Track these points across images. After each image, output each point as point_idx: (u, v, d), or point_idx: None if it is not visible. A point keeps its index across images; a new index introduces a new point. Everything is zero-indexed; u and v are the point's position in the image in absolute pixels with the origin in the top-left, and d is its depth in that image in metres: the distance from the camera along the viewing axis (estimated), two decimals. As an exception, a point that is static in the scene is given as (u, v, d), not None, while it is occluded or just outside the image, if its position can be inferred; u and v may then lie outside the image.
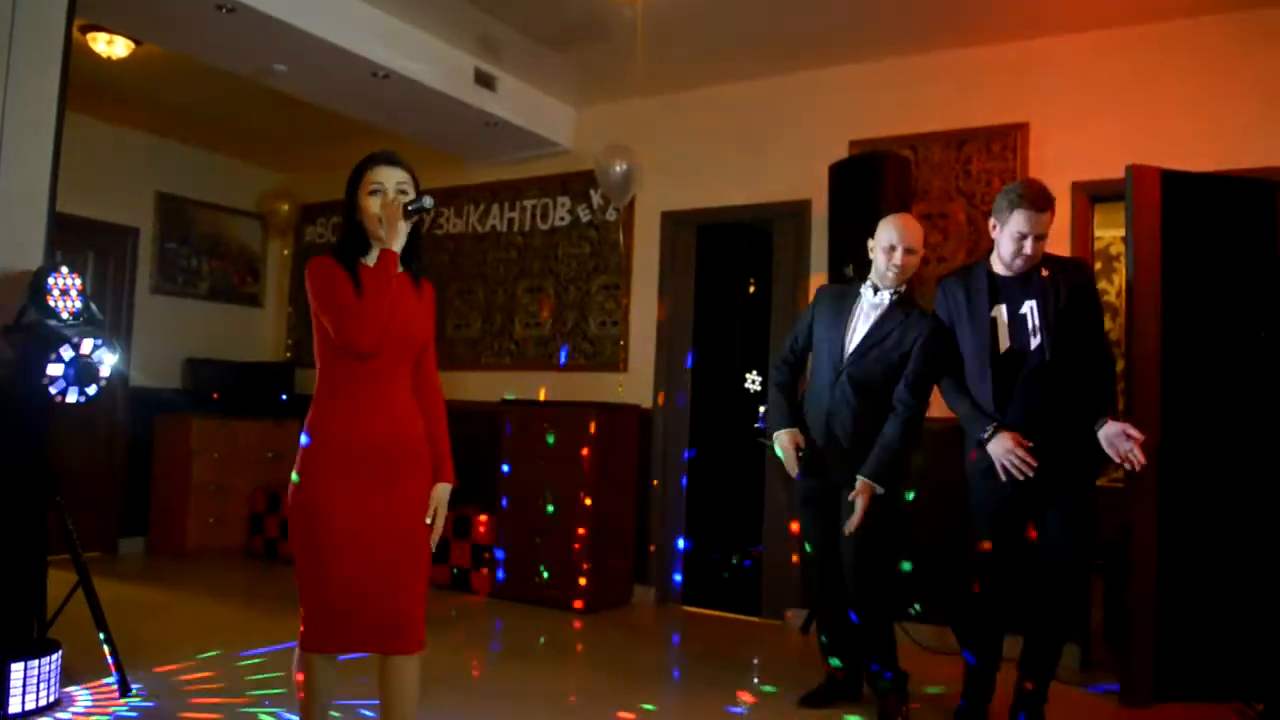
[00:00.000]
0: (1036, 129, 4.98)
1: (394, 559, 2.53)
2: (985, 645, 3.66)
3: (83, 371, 3.56)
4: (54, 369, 3.47)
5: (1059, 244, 4.79)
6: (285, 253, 8.17)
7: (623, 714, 3.82)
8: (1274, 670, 3.95)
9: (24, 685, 3.40)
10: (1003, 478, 3.46)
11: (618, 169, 5.66)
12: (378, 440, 2.53)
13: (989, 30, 4.99)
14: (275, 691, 3.75)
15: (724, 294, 7.59)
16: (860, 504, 3.57)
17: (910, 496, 3.98)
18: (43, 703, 3.47)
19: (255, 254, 8.12)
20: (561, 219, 6.60)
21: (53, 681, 3.52)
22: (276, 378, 7.69)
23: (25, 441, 3.62)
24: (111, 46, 5.29)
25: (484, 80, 5.74)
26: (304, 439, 2.53)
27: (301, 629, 2.53)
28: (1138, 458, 3.36)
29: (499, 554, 5.91)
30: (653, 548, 6.00)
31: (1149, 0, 4.58)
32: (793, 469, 3.79)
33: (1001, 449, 3.43)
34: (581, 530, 5.59)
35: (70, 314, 3.62)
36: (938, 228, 5.17)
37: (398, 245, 2.52)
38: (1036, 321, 3.49)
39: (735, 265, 7.87)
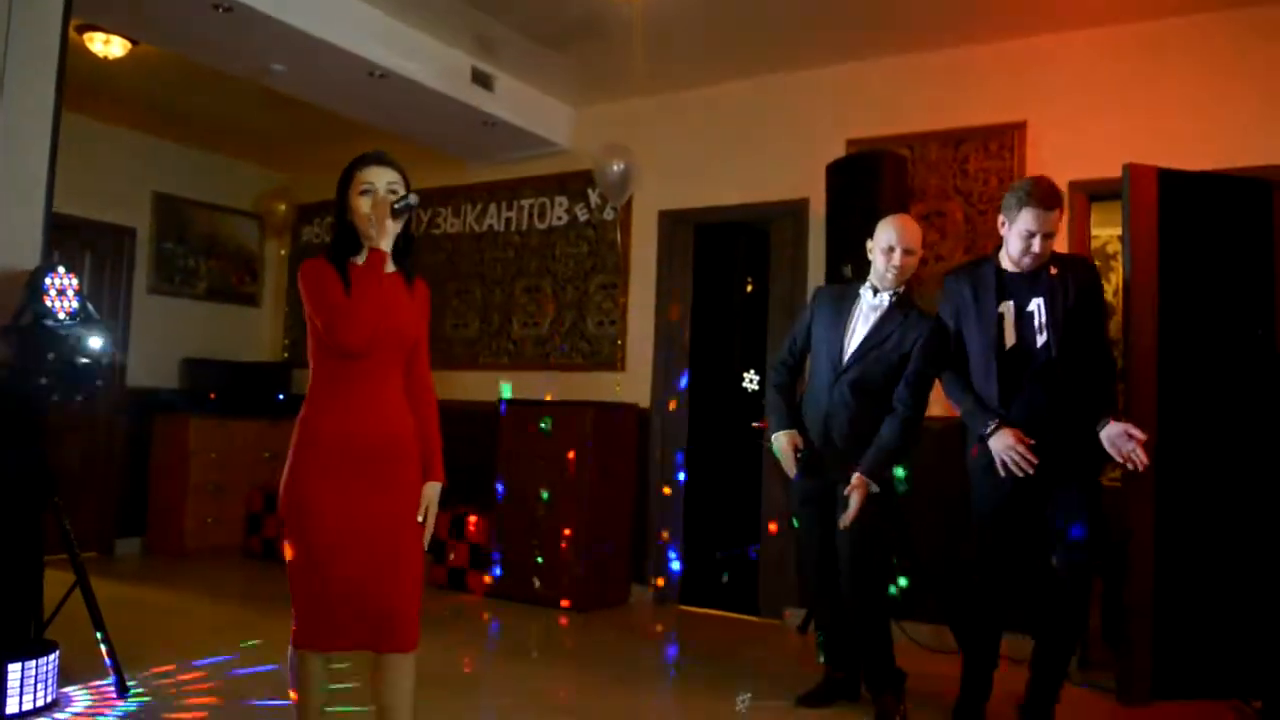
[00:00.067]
0: (1034, 128, 4.98)
1: (385, 557, 2.54)
2: (983, 644, 3.66)
3: (76, 372, 3.56)
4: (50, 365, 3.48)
5: (1058, 242, 4.80)
6: (283, 253, 8.17)
7: (620, 714, 3.82)
8: (1271, 668, 3.95)
9: (21, 686, 3.40)
10: (1001, 473, 3.46)
11: (615, 168, 5.66)
12: (368, 438, 2.55)
13: (986, 29, 4.99)
14: (273, 696, 3.75)
15: (722, 293, 7.59)
16: (855, 499, 3.57)
17: (902, 489, 3.97)
18: (40, 703, 3.46)
19: (252, 254, 8.11)
20: (559, 218, 6.60)
21: (50, 682, 3.52)
22: (274, 377, 7.69)
23: (23, 442, 3.62)
24: (108, 46, 5.29)
25: (481, 80, 5.74)
26: (295, 437, 2.55)
27: (294, 627, 2.54)
28: (1140, 458, 3.36)
29: (496, 554, 5.91)
30: (650, 547, 6.00)
31: (1146, -1, 4.59)
32: (791, 470, 3.79)
33: (1003, 445, 3.43)
34: (579, 530, 5.59)
35: (67, 314, 3.62)
36: (935, 227, 5.17)
37: (386, 244, 2.53)
38: (1043, 319, 3.48)
39: (733, 265, 7.86)
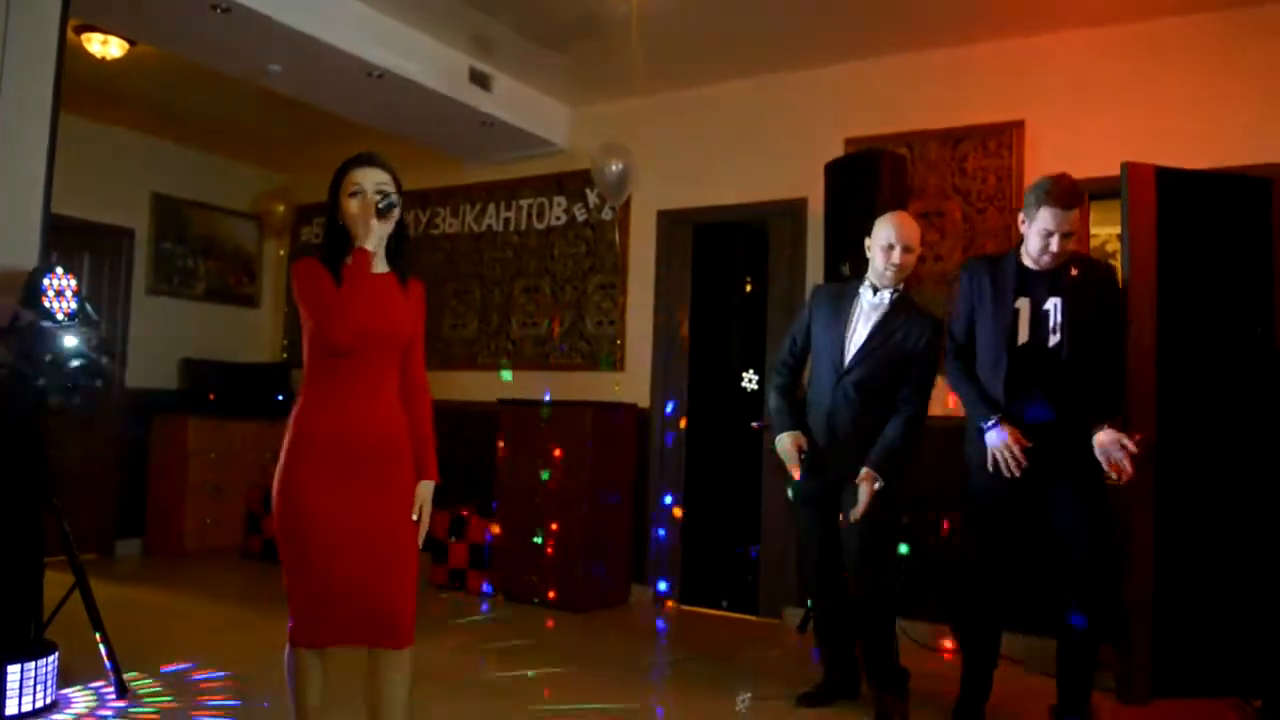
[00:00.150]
0: (1032, 126, 4.98)
1: (379, 555, 2.56)
2: (982, 643, 3.66)
3: (75, 373, 3.55)
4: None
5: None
6: (281, 253, 8.16)
7: (621, 714, 3.82)
8: (1272, 665, 3.95)
9: (21, 687, 3.39)
10: (990, 469, 3.46)
11: (614, 168, 5.66)
12: (360, 436, 2.57)
13: (985, 28, 4.99)
14: (272, 696, 3.75)
15: (720, 293, 7.59)
16: (865, 491, 3.56)
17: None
18: (40, 704, 3.46)
19: (251, 255, 8.11)
20: (558, 218, 6.60)
21: (50, 683, 3.52)
22: (272, 378, 7.69)
23: (22, 443, 3.62)
24: (106, 47, 5.28)
25: (479, 80, 5.74)
26: (288, 436, 2.59)
27: (290, 625, 2.57)
28: (1126, 469, 3.35)
29: (496, 553, 5.91)
30: (650, 547, 6.00)
31: (1144, -3, 4.59)
32: (796, 471, 3.77)
33: (999, 441, 3.43)
34: (578, 530, 5.59)
35: (66, 315, 3.61)
36: (934, 226, 5.17)
37: (371, 244, 2.57)
38: (1059, 320, 3.46)
39: (732, 264, 7.86)
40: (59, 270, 3.64)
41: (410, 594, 2.63)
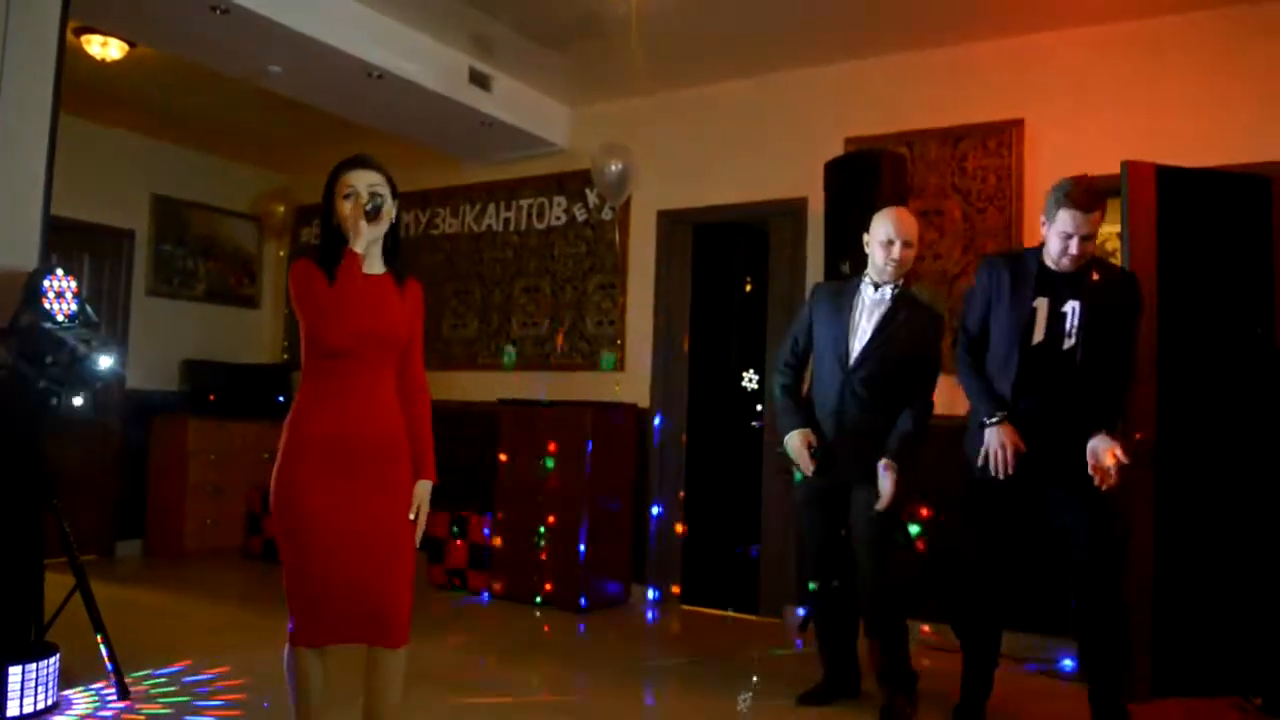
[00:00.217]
0: (1032, 125, 4.98)
1: (376, 555, 2.58)
2: (983, 642, 3.65)
3: (76, 375, 3.56)
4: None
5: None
6: (281, 254, 8.16)
7: (621, 713, 3.82)
8: (1272, 664, 3.95)
9: (22, 689, 3.39)
10: (979, 462, 3.47)
11: (613, 168, 5.66)
12: (357, 436, 2.59)
13: (984, 27, 4.99)
14: (273, 696, 3.75)
15: (721, 293, 7.59)
16: (889, 480, 3.56)
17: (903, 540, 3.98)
18: (41, 706, 3.46)
19: (251, 255, 8.11)
20: (558, 218, 6.60)
21: (51, 685, 3.52)
22: (273, 379, 7.69)
23: (22, 445, 3.62)
24: (106, 49, 5.28)
25: (479, 80, 5.74)
26: (285, 436, 2.61)
27: (290, 624, 2.58)
28: (1110, 478, 3.34)
29: (496, 553, 5.91)
30: (650, 546, 6.00)
31: (1143, -4, 4.59)
32: (807, 468, 3.74)
33: (997, 439, 3.42)
34: (579, 529, 5.59)
35: (66, 316, 3.61)
36: (934, 225, 5.17)
37: (360, 247, 2.58)
38: (1075, 323, 3.43)
39: (732, 264, 7.87)
40: (59, 272, 3.64)
41: (407, 593, 2.65)
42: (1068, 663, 4.48)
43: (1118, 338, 3.47)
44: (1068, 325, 3.44)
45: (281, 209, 7.85)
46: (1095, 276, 3.46)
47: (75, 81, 4.83)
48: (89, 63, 5.35)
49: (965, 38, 5.12)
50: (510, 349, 6.64)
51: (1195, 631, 4.05)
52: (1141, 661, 3.91)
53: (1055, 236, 3.40)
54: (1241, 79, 4.54)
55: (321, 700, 2.68)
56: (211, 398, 7.27)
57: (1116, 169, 4.15)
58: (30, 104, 3.80)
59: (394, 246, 2.77)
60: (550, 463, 5.72)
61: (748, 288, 7.93)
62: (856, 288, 3.80)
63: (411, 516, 2.68)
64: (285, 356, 7.95)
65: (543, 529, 5.69)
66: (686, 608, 5.89)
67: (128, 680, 3.74)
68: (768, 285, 6.00)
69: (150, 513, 7.09)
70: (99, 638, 3.70)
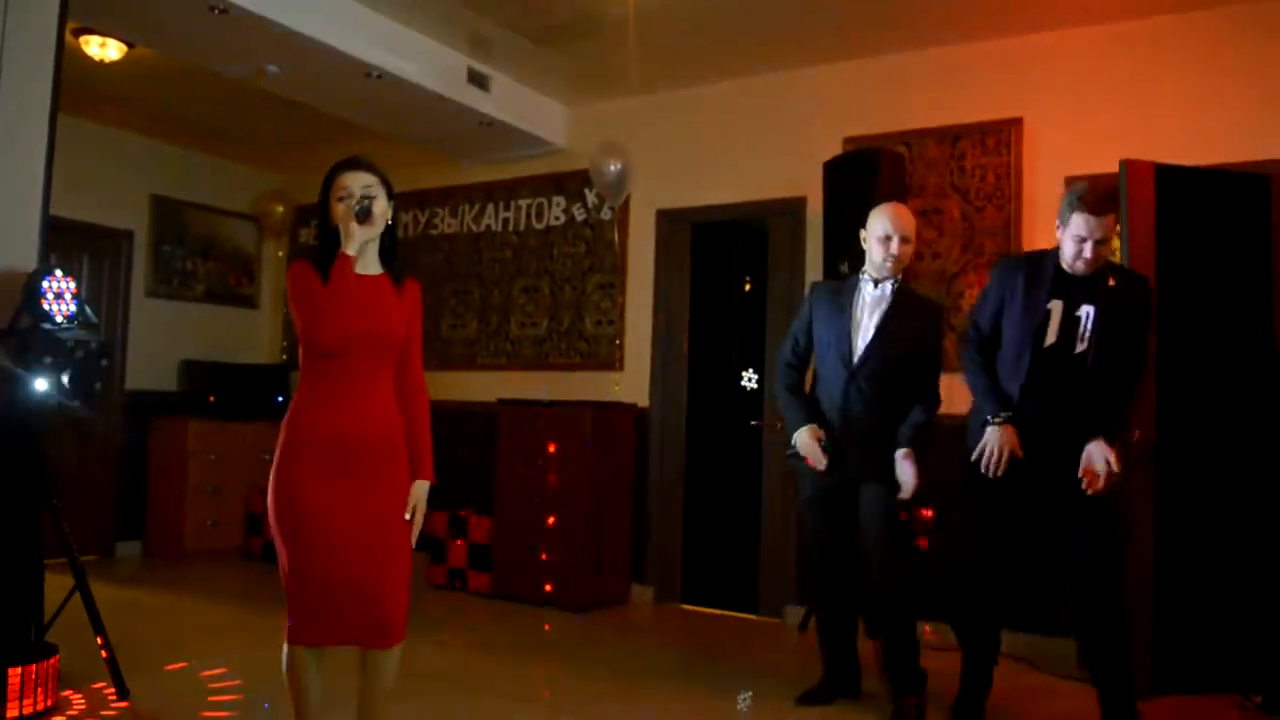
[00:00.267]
0: (1030, 124, 4.98)
1: (372, 554, 2.59)
2: (982, 640, 3.66)
3: (74, 376, 3.55)
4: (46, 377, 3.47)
5: (1054, 238, 4.80)
6: (280, 254, 8.16)
7: (621, 713, 3.82)
8: (1272, 661, 3.95)
9: (22, 690, 3.39)
10: (972, 456, 3.47)
11: (612, 168, 5.66)
12: (350, 435, 2.61)
13: (982, 26, 4.99)
14: (273, 697, 3.75)
15: (720, 292, 7.59)
16: (909, 468, 3.56)
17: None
18: (40, 707, 3.45)
19: (250, 256, 8.11)
20: (556, 218, 6.60)
21: (50, 686, 3.51)
22: (272, 379, 7.69)
23: (21, 445, 3.61)
24: (104, 49, 5.28)
25: (477, 80, 5.74)
26: (282, 435, 2.63)
27: (288, 623, 2.59)
28: (1098, 484, 3.35)
29: (496, 553, 5.91)
30: (650, 546, 6.00)
31: (1142, -5, 4.59)
32: (820, 462, 3.69)
33: (996, 440, 3.42)
34: (578, 529, 5.59)
35: (65, 317, 3.61)
36: (932, 224, 5.17)
37: (352, 249, 2.60)
38: (1089, 328, 3.41)
39: (731, 263, 7.87)
40: (58, 272, 3.64)
41: (403, 594, 2.67)
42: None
43: (1130, 345, 3.45)
44: (1081, 329, 3.42)
45: (280, 209, 7.85)
46: (1111, 282, 3.42)
47: (74, 82, 4.83)
48: (88, 63, 5.35)
49: (964, 37, 5.12)
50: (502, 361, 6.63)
51: (1195, 629, 4.05)
52: (1142, 659, 3.92)
53: (1069, 240, 3.37)
54: (1240, 77, 4.54)
55: (320, 700, 2.69)
56: (211, 398, 7.27)
57: (1115, 168, 4.15)
58: (29, 104, 3.80)
59: (391, 247, 2.78)
60: (550, 463, 5.71)
61: (747, 287, 7.94)
62: (855, 285, 3.80)
63: (407, 516, 2.69)
64: (284, 357, 7.95)
65: (542, 529, 5.69)
66: (686, 607, 5.89)
67: (127, 681, 3.73)
68: (767, 284, 6.00)
69: (150, 513, 7.09)
70: (98, 638, 3.70)
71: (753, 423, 5.86)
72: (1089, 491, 3.36)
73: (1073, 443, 3.42)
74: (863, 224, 3.82)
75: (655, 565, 5.99)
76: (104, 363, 3.71)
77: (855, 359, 3.69)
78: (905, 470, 3.59)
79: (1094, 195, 3.31)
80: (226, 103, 6.34)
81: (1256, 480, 4.08)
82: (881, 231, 3.68)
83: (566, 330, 6.46)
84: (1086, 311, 3.42)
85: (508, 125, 6.08)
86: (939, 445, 3.90)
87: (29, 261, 3.76)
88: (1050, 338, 3.45)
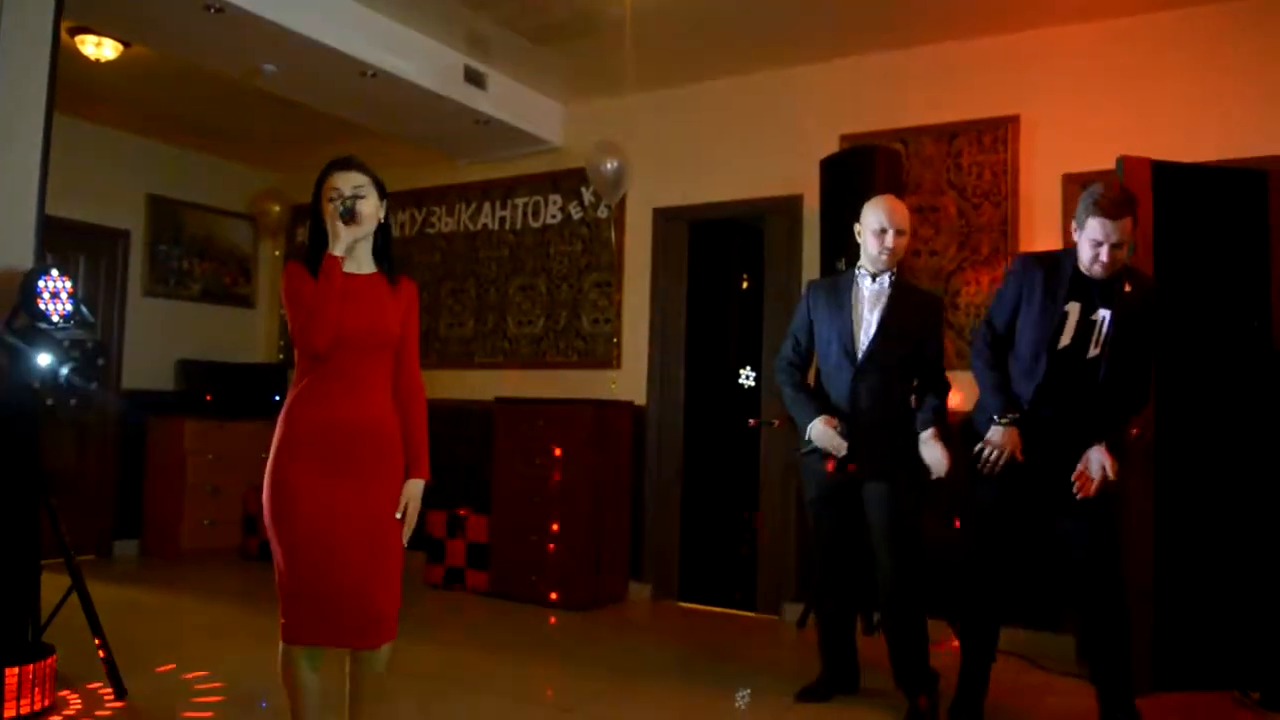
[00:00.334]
0: (1027, 121, 4.98)
1: (363, 552, 2.60)
2: (983, 638, 3.66)
3: (70, 375, 3.55)
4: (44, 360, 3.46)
5: (1051, 236, 4.81)
6: (277, 253, 8.15)
7: (620, 711, 3.82)
8: (1270, 657, 3.96)
9: (19, 690, 3.38)
10: (973, 452, 3.47)
11: (609, 166, 5.65)
12: (344, 433, 2.61)
13: (978, 23, 4.99)
14: (271, 697, 3.74)
15: (718, 290, 7.60)
16: (938, 449, 3.55)
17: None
18: (37, 708, 3.45)
19: (246, 255, 8.10)
20: (553, 216, 6.60)
21: (47, 686, 3.51)
22: (269, 378, 7.68)
23: (17, 444, 3.61)
24: (100, 49, 5.27)
25: (473, 78, 5.73)
26: (276, 434, 2.64)
27: (281, 622, 2.60)
28: (1090, 489, 3.35)
29: (493, 552, 5.91)
30: (647, 544, 6.00)
31: (1138, -8, 4.59)
32: (841, 448, 3.64)
33: (999, 439, 3.42)
34: (576, 528, 5.59)
35: (61, 317, 3.60)
36: (929, 221, 5.17)
37: (338, 249, 2.61)
38: (1104, 333, 3.39)
39: (728, 261, 7.88)
40: (54, 272, 3.63)
41: (394, 592, 2.68)
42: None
43: (1140, 352, 3.43)
44: (1096, 335, 3.40)
45: (277, 208, 7.84)
46: (1128, 288, 3.39)
47: (70, 81, 4.83)
48: (83, 63, 5.34)
49: (960, 34, 5.11)
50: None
51: (1194, 626, 4.05)
52: (1141, 655, 3.92)
53: (1086, 244, 3.33)
54: (1237, 74, 4.54)
55: (317, 699, 2.69)
56: (208, 398, 7.27)
57: (1112, 164, 4.16)
58: (25, 103, 3.79)
59: (384, 245, 2.79)
60: (547, 461, 5.71)
61: (744, 285, 7.94)
62: (852, 281, 3.79)
63: (399, 515, 2.69)
64: (281, 356, 7.95)
65: (540, 528, 5.69)
66: (684, 605, 5.89)
67: (124, 681, 3.73)
68: (764, 282, 6.00)
69: (147, 513, 7.08)
70: (96, 639, 3.69)
71: (750, 421, 5.86)
72: (1079, 495, 3.37)
73: (1077, 444, 3.41)
74: (859, 220, 3.82)
75: (653, 563, 5.99)
76: (100, 362, 3.71)
77: (860, 353, 3.69)
78: (934, 451, 3.56)
79: (1110, 198, 3.27)
80: (223, 102, 6.33)
81: (1255, 477, 4.09)
82: (876, 224, 3.68)
83: (564, 329, 6.46)
84: (1103, 315, 3.40)
85: (505, 124, 6.07)
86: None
87: (25, 261, 3.75)
88: (1064, 340, 3.43)
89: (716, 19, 5.05)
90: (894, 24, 5.04)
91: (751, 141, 5.79)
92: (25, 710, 3.40)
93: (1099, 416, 3.42)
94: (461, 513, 6.11)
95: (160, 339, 7.29)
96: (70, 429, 6.57)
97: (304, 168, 7.69)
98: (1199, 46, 4.64)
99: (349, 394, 2.64)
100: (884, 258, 3.68)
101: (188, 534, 6.89)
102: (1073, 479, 3.37)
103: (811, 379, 3.94)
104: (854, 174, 4.77)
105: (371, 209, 2.68)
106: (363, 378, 2.67)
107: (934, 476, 3.59)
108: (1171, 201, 4.04)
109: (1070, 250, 3.49)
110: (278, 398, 7.41)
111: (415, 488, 2.74)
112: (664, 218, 6.14)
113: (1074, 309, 3.42)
